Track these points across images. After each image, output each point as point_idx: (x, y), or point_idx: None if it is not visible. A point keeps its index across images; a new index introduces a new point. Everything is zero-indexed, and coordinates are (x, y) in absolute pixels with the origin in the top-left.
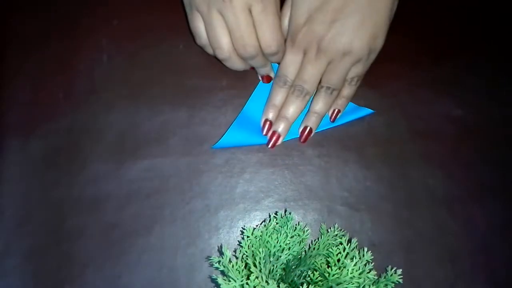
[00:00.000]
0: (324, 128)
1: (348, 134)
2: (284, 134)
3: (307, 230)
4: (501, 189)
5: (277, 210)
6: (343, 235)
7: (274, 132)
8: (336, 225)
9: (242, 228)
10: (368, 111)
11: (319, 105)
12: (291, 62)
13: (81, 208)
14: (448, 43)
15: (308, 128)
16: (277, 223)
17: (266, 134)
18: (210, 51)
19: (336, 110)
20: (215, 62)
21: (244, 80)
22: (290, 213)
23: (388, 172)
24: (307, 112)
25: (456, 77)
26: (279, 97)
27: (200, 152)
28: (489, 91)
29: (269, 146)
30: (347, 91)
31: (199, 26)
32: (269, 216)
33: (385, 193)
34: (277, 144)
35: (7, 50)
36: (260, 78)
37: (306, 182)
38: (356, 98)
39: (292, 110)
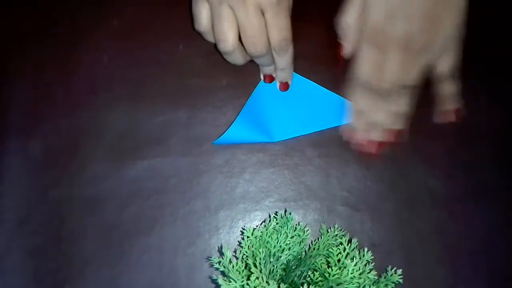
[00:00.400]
0: (324, 128)
1: None
2: (380, 139)
3: (307, 230)
4: (501, 189)
5: (277, 210)
6: (343, 235)
7: (373, 142)
8: (336, 225)
9: (242, 228)
10: None
11: (399, 104)
12: (370, 64)
13: (81, 208)
14: None
15: (392, 129)
16: (277, 223)
17: (358, 142)
18: (209, 38)
19: (456, 109)
20: (215, 62)
21: (244, 80)
22: (290, 213)
23: (388, 172)
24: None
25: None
26: (361, 101)
27: (200, 152)
28: (489, 92)
29: (373, 156)
30: (452, 87)
31: (202, 12)
32: (269, 216)
33: (385, 193)
34: (378, 150)
35: (7, 50)
36: (262, 78)
37: (306, 182)
38: None
39: (382, 115)
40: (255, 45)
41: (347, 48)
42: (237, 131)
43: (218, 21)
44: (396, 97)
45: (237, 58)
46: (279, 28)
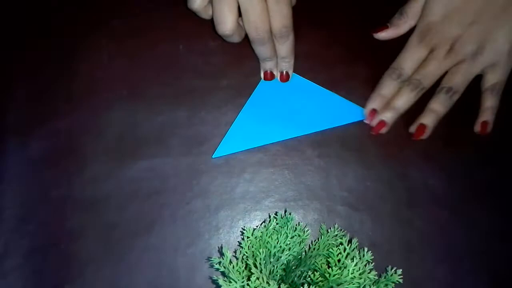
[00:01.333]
0: (324, 128)
1: (348, 134)
2: (391, 123)
3: (307, 231)
4: (501, 189)
5: (277, 210)
6: (343, 235)
7: (381, 121)
8: (336, 225)
9: (242, 228)
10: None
11: (437, 105)
12: (413, 57)
13: (81, 208)
14: None
15: (425, 125)
16: (277, 224)
17: (370, 122)
18: (203, 16)
19: (485, 121)
20: (215, 62)
21: (244, 80)
22: (290, 214)
23: (388, 172)
24: (426, 109)
25: None
26: (389, 89)
27: (200, 152)
28: None
29: (373, 132)
30: (490, 101)
31: None
32: (269, 216)
33: (385, 193)
34: (381, 131)
35: (7, 50)
36: (262, 75)
37: (306, 182)
38: (357, 99)
39: (403, 101)
40: (257, 30)
41: (388, 33)
42: (236, 135)
43: (219, 3)
44: (437, 97)
45: (235, 39)
46: (280, 15)
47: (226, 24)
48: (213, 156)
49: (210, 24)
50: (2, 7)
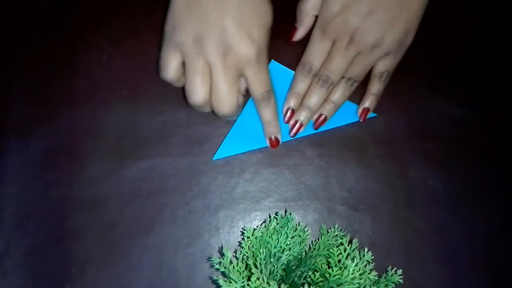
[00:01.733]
0: (324, 129)
1: (348, 134)
2: (306, 123)
3: (307, 231)
4: (501, 189)
5: (277, 210)
6: (343, 236)
7: (296, 121)
8: (336, 225)
9: (242, 228)
10: (370, 114)
11: (337, 95)
12: (318, 51)
13: (81, 208)
14: (448, 43)
15: (323, 116)
16: (277, 224)
17: (287, 122)
18: (175, 85)
19: (367, 108)
20: None
21: None
22: (290, 214)
23: (388, 172)
24: (327, 100)
25: (456, 77)
26: (302, 85)
27: (200, 152)
28: (489, 91)
29: (291, 134)
30: (377, 87)
31: (172, 62)
32: (269, 216)
33: (385, 193)
34: (299, 132)
35: (7, 50)
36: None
37: (306, 182)
38: (356, 98)
39: (315, 99)
40: (219, 108)
41: (300, 32)
42: (237, 136)
43: (192, 74)
44: (337, 87)
45: (207, 110)
46: (260, 83)
47: (198, 96)
48: (213, 158)
49: None
50: (2, 7)
